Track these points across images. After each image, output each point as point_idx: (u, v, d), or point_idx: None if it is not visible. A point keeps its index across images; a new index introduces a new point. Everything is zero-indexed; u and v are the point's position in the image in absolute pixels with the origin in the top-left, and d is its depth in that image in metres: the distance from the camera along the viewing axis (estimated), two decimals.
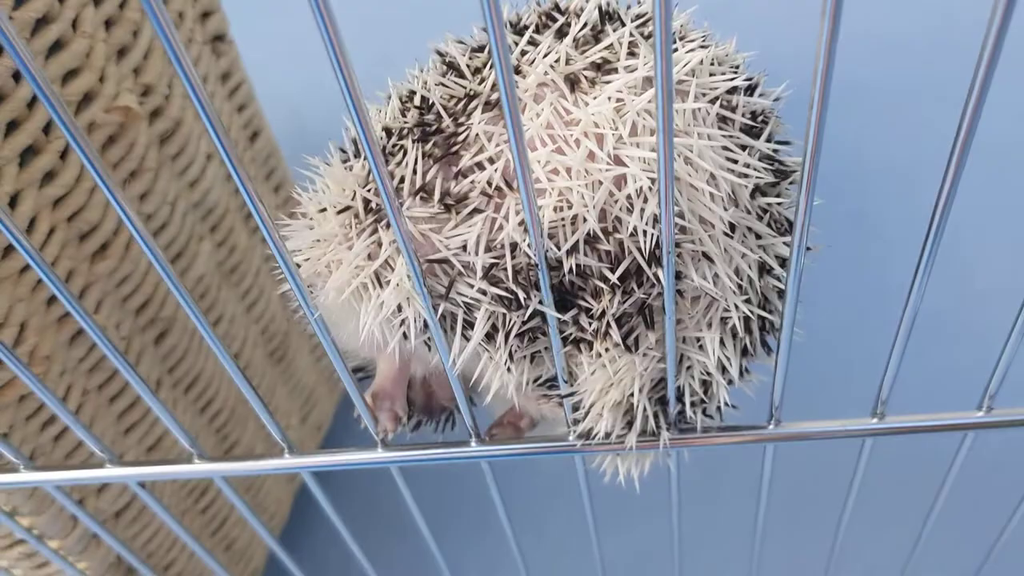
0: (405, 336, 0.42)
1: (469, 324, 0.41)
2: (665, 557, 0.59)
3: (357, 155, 0.44)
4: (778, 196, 0.41)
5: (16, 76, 0.49)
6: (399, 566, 0.64)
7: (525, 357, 0.42)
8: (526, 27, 0.42)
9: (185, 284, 0.66)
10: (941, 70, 1.07)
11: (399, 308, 0.41)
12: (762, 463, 0.49)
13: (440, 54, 0.44)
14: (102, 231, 0.57)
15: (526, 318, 0.40)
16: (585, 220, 0.38)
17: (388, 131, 0.42)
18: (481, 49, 0.44)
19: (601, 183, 0.38)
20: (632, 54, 0.40)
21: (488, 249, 0.39)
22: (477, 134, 0.39)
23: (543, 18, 0.43)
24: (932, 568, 0.62)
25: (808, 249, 0.42)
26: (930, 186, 0.34)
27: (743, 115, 0.40)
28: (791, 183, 0.42)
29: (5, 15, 0.28)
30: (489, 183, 0.39)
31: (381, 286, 0.41)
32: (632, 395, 0.42)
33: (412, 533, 0.58)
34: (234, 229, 0.74)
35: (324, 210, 0.43)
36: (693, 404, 0.44)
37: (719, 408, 0.45)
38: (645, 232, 0.38)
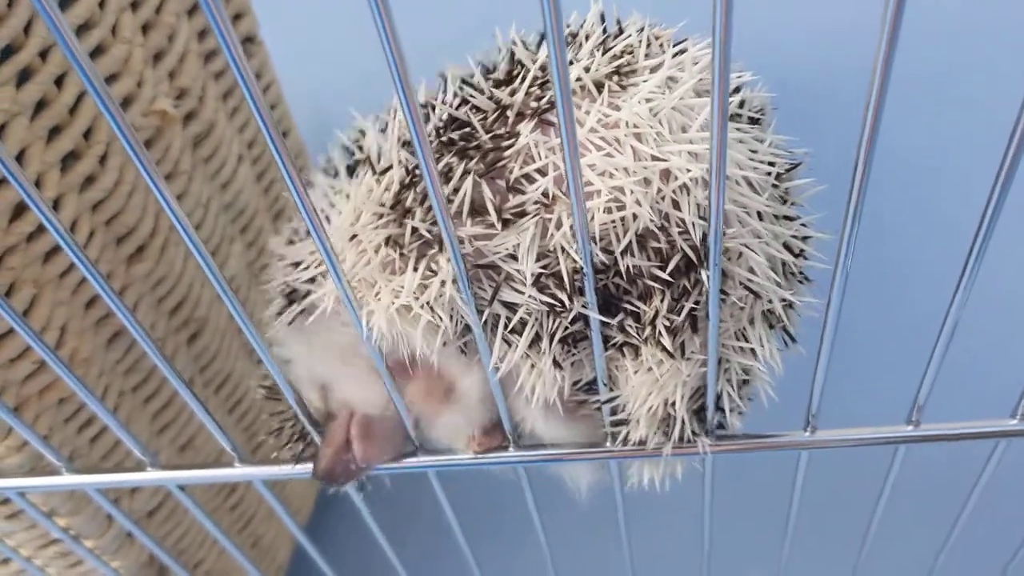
0: (445, 344, 0.42)
1: (508, 328, 0.41)
2: (694, 560, 0.59)
3: (370, 169, 0.44)
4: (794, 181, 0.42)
5: (59, 81, 0.50)
6: (424, 565, 0.65)
7: (570, 362, 0.43)
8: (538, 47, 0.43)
9: (223, 278, 0.67)
10: (971, 65, 1.07)
11: (441, 319, 0.41)
12: (796, 470, 0.49)
13: (457, 78, 0.44)
14: (139, 234, 0.57)
15: (570, 322, 0.40)
16: (636, 217, 0.38)
17: (408, 144, 0.42)
18: (495, 69, 0.44)
19: (649, 180, 0.38)
20: (648, 56, 0.41)
21: (538, 256, 0.39)
22: (526, 144, 0.40)
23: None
24: (959, 572, 0.62)
25: (806, 239, 0.43)
26: (966, 190, 0.35)
27: (748, 110, 0.41)
28: (801, 170, 0.43)
29: (61, 16, 0.28)
30: (545, 194, 0.39)
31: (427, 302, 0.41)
32: (673, 403, 0.43)
33: (437, 535, 0.58)
34: (263, 229, 0.74)
35: (355, 237, 0.43)
36: (732, 410, 0.44)
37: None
38: (694, 224, 0.38)
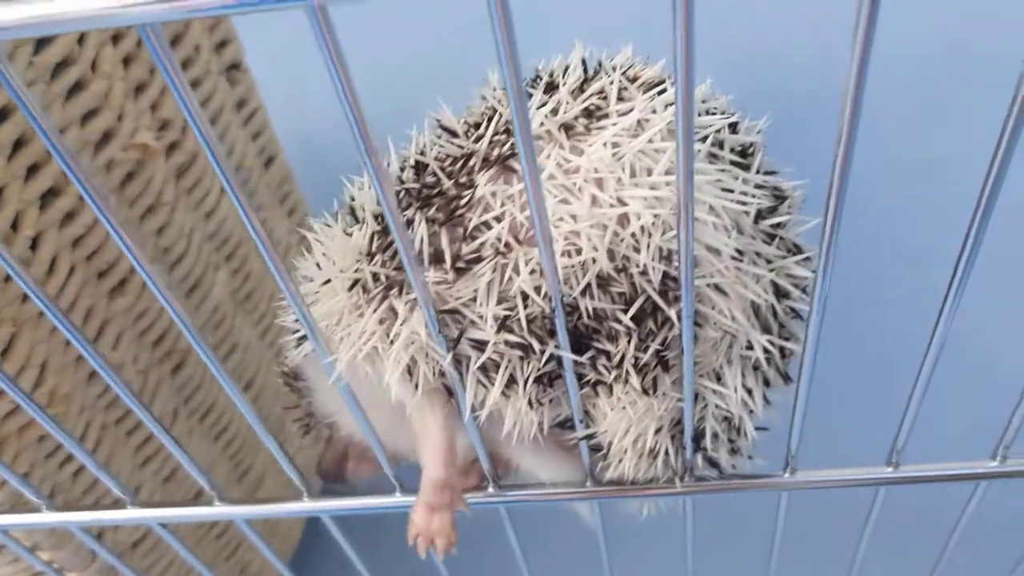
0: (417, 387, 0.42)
1: (483, 371, 0.41)
2: None
3: (356, 221, 0.44)
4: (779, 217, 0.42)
5: None
6: None
7: (544, 402, 0.43)
8: None
9: (202, 313, 0.67)
10: (963, 89, 1.06)
11: (414, 362, 0.41)
12: (776, 510, 0.49)
13: (436, 120, 0.44)
14: (119, 269, 0.57)
15: (543, 364, 0.40)
16: (595, 261, 0.38)
17: None
18: (482, 102, 0.44)
19: (606, 225, 0.38)
20: (621, 99, 0.40)
21: (500, 301, 0.39)
22: (483, 194, 0.40)
23: (530, 81, 0.43)
24: None
25: (808, 259, 0.42)
26: (946, 223, 0.34)
27: (731, 150, 0.41)
28: (789, 207, 0.42)
29: (14, 73, 0.28)
30: (498, 239, 0.39)
31: (393, 344, 0.41)
32: (657, 434, 0.42)
33: (422, 567, 0.58)
34: (249, 257, 0.74)
35: (328, 282, 0.43)
36: (717, 441, 0.44)
37: (745, 438, 0.45)
38: (654, 268, 0.38)
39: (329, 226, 0.47)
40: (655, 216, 0.37)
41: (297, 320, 0.46)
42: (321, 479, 0.54)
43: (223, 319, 0.70)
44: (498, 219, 0.39)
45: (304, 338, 0.48)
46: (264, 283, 0.77)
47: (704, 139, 0.40)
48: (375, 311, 0.41)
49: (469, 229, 0.39)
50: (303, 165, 0.88)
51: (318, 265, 0.45)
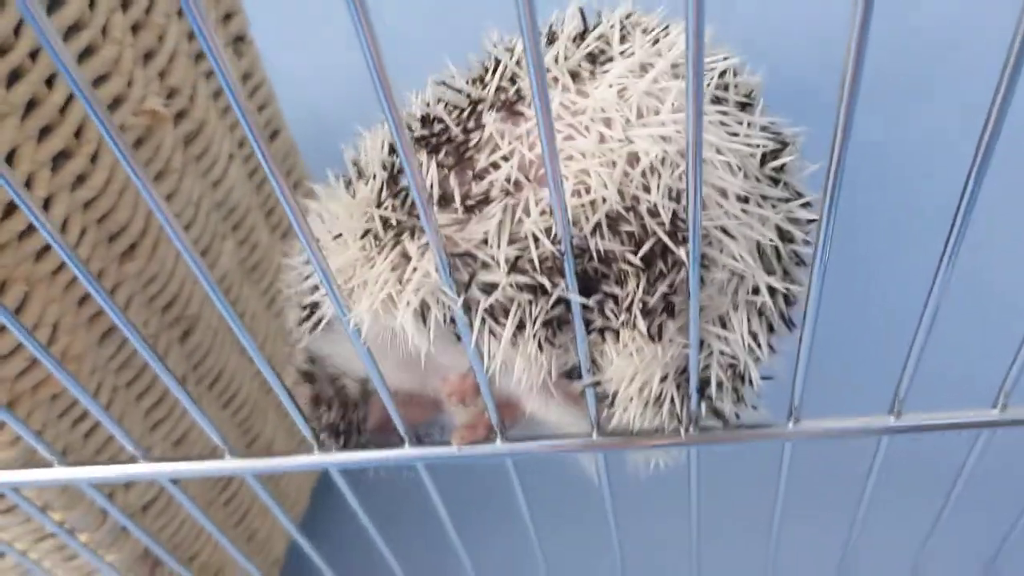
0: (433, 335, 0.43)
1: (492, 315, 0.42)
2: (682, 549, 0.60)
3: (360, 176, 0.45)
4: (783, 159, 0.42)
5: (49, 82, 0.50)
6: (418, 558, 0.66)
7: (554, 344, 0.43)
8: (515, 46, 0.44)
9: (211, 277, 0.68)
10: (959, 57, 1.07)
11: (426, 306, 0.42)
12: (780, 460, 0.50)
13: (436, 82, 0.45)
14: (130, 232, 0.58)
15: (550, 306, 0.41)
16: (604, 200, 0.39)
17: (393, 148, 0.43)
18: (481, 63, 0.45)
19: (615, 162, 0.39)
20: (623, 41, 0.41)
21: (510, 242, 0.40)
22: (490, 134, 0.40)
23: None
24: (944, 562, 0.63)
25: (810, 221, 0.43)
26: (951, 177, 0.35)
27: (736, 94, 0.42)
28: (791, 151, 0.43)
29: (45, 18, 0.29)
30: (507, 179, 0.40)
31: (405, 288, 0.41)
32: (663, 381, 0.43)
33: (430, 529, 0.59)
34: (256, 227, 0.75)
35: (339, 236, 0.44)
36: (721, 390, 0.44)
37: (750, 386, 0.46)
38: (664, 207, 0.39)
39: (335, 185, 0.47)
40: (664, 153, 0.38)
41: (308, 278, 0.47)
42: (377, 437, 0.54)
43: (230, 288, 0.71)
44: (506, 158, 0.40)
45: (314, 309, 0.48)
46: (271, 254, 0.78)
47: (709, 82, 0.41)
48: (387, 258, 0.41)
49: (478, 169, 0.40)
50: (306, 139, 0.89)
51: (324, 222, 0.45)
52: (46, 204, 0.51)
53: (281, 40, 0.82)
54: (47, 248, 0.51)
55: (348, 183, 0.46)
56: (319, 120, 0.98)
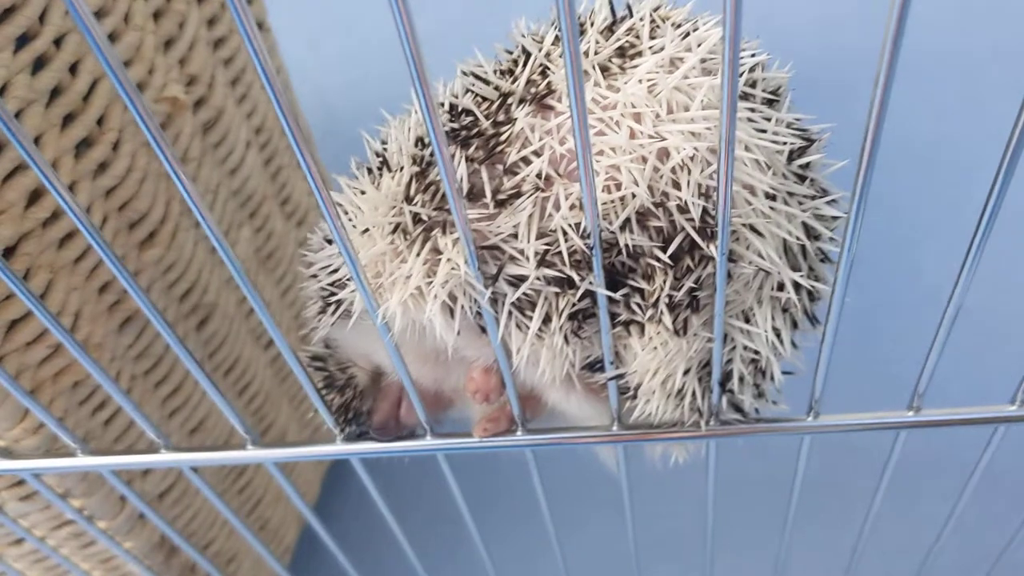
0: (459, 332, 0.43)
1: (519, 308, 0.42)
2: (696, 542, 0.60)
3: (385, 168, 0.45)
4: (809, 157, 0.42)
5: (72, 69, 0.50)
6: (429, 549, 0.66)
7: (580, 336, 0.43)
8: (544, 37, 0.43)
9: (225, 270, 0.68)
10: (987, 44, 1.07)
11: (453, 299, 0.42)
12: (798, 454, 0.50)
13: (465, 72, 0.45)
14: (151, 220, 0.58)
15: (578, 299, 0.41)
16: (634, 196, 0.39)
17: (421, 141, 0.43)
18: (509, 54, 0.45)
19: (646, 158, 0.39)
20: (653, 36, 0.41)
21: (539, 236, 0.40)
22: (521, 128, 0.40)
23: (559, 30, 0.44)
24: (957, 554, 0.63)
25: (836, 218, 0.43)
26: (973, 173, 0.35)
27: (763, 90, 0.42)
28: (818, 149, 0.43)
29: (86, 6, 0.29)
30: (538, 175, 0.40)
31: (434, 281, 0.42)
32: (686, 374, 0.43)
33: (441, 521, 0.59)
34: (271, 215, 0.75)
35: (367, 231, 0.44)
36: (743, 384, 0.45)
37: (771, 381, 0.46)
38: (694, 204, 0.39)
39: (359, 176, 0.47)
40: (695, 151, 0.38)
41: (334, 272, 0.47)
42: (378, 433, 0.54)
43: (246, 276, 0.71)
44: (537, 153, 0.40)
45: (330, 304, 0.48)
46: (286, 243, 0.78)
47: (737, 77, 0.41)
48: (418, 254, 0.41)
49: (508, 164, 0.40)
50: (321, 129, 0.89)
51: (350, 219, 0.45)
52: (69, 191, 0.51)
53: (296, 28, 0.82)
54: (70, 236, 0.51)
55: (369, 171, 0.46)
56: (333, 111, 0.98)
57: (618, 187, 0.39)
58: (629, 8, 0.43)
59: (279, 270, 0.77)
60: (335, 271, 0.47)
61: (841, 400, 0.48)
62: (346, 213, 0.46)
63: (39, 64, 0.48)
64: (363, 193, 0.45)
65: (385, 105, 0.48)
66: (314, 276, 0.49)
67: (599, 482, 0.54)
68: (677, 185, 0.39)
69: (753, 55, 0.42)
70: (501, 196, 0.40)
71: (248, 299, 0.64)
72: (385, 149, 0.46)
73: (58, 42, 0.49)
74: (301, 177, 0.82)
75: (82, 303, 0.53)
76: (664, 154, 0.39)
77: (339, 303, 0.47)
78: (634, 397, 0.45)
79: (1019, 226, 0.89)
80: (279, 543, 0.84)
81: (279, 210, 0.77)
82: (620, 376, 0.44)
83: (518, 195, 0.40)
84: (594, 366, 0.46)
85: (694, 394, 0.45)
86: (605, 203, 0.39)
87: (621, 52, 0.41)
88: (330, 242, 0.48)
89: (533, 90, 0.41)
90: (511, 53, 0.44)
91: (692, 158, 0.38)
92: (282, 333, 0.76)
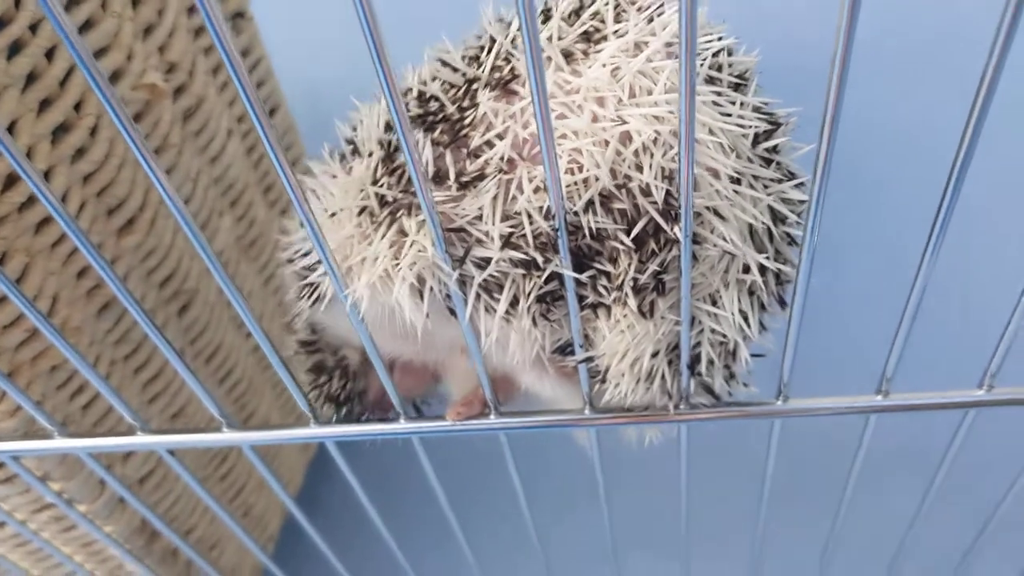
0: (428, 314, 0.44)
1: (486, 290, 0.42)
2: (673, 526, 0.61)
3: (355, 154, 0.45)
4: (775, 140, 0.43)
5: (49, 54, 0.50)
6: (412, 533, 0.67)
7: (548, 321, 0.44)
8: (510, 24, 0.44)
9: (211, 251, 0.68)
10: (953, 35, 1.07)
11: (422, 281, 0.42)
12: (769, 437, 0.51)
13: (432, 58, 0.45)
14: (129, 206, 0.58)
15: (544, 281, 0.42)
16: (597, 179, 0.39)
17: (390, 126, 0.44)
18: (478, 39, 0.45)
19: (608, 141, 0.39)
20: (618, 20, 0.42)
21: (504, 218, 0.41)
22: (484, 112, 0.41)
23: None
24: (930, 540, 0.64)
25: (803, 202, 0.43)
26: (942, 158, 0.35)
27: (729, 74, 0.42)
28: (784, 132, 0.43)
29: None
30: (501, 158, 0.41)
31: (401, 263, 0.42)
32: (655, 357, 0.44)
33: (424, 505, 0.59)
34: (253, 203, 0.75)
35: (335, 215, 0.44)
36: (712, 367, 0.45)
37: (740, 363, 0.46)
38: (657, 187, 0.39)
39: (329, 162, 0.48)
40: (656, 133, 0.38)
41: (306, 256, 0.48)
42: (371, 412, 0.55)
43: (227, 264, 0.71)
44: (500, 136, 0.40)
45: (312, 286, 0.49)
46: (268, 230, 0.78)
47: (703, 62, 0.41)
48: (383, 236, 0.42)
49: (472, 147, 0.41)
50: (304, 115, 0.89)
51: (319, 199, 0.46)
52: (46, 177, 0.51)
53: (280, 17, 0.82)
54: (47, 220, 0.51)
55: (343, 158, 0.47)
56: (317, 97, 0.98)
57: (580, 169, 0.39)
58: None
59: (262, 258, 0.78)
60: (307, 254, 0.47)
61: (820, 385, 0.48)
62: (319, 198, 0.46)
63: (14, 49, 0.48)
64: (335, 178, 0.45)
65: (372, 90, 0.49)
66: (290, 261, 0.50)
67: (582, 468, 0.55)
68: (640, 168, 0.39)
69: (720, 39, 0.43)
70: (465, 178, 0.40)
71: (232, 283, 0.64)
72: (356, 135, 0.47)
73: (34, 28, 0.49)
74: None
75: (60, 287, 0.54)
76: (626, 137, 0.39)
77: (313, 287, 0.48)
78: (604, 380, 0.46)
79: (985, 211, 0.89)
80: (263, 530, 0.84)
81: (262, 198, 0.78)
82: (590, 359, 0.45)
83: (481, 177, 0.40)
84: (565, 349, 0.46)
85: (663, 377, 0.45)
86: (568, 185, 0.39)
87: (586, 37, 0.41)
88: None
89: (497, 75, 0.41)
90: (480, 39, 0.45)
91: (655, 141, 0.38)
92: (266, 320, 0.76)
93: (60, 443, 0.51)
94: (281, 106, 0.81)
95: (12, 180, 0.48)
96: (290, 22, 0.82)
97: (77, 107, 0.53)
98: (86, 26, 0.53)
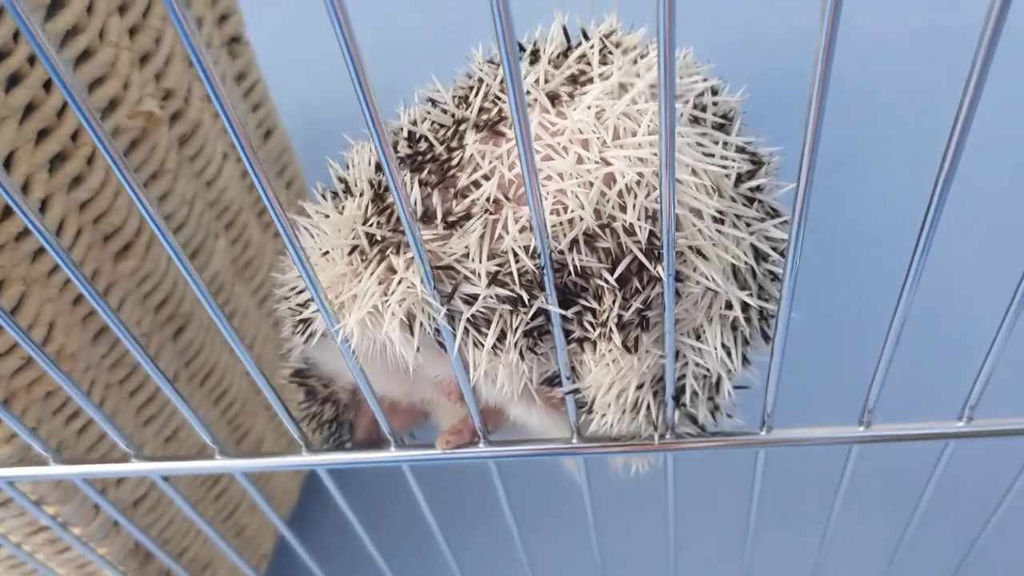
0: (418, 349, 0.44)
1: (475, 326, 0.43)
2: (661, 554, 0.61)
3: (348, 193, 0.46)
4: (757, 180, 0.43)
5: (47, 86, 0.51)
6: (404, 559, 0.67)
7: (535, 355, 0.45)
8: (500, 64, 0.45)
9: (202, 280, 0.69)
10: (929, 70, 1.09)
11: (412, 317, 0.43)
12: (754, 467, 0.51)
13: (422, 99, 0.46)
14: (125, 232, 0.59)
15: (531, 317, 0.42)
16: (582, 219, 0.40)
17: (379, 166, 0.45)
18: (468, 79, 0.46)
19: (592, 183, 0.40)
20: (604, 63, 0.42)
21: (491, 257, 0.41)
22: (472, 154, 0.42)
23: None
24: (914, 565, 0.64)
25: (785, 222, 0.44)
26: (921, 190, 0.36)
27: (712, 114, 0.43)
28: (767, 171, 0.44)
29: (40, 29, 0.30)
30: (488, 198, 0.41)
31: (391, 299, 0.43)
32: (639, 389, 0.44)
33: (416, 530, 0.60)
34: (248, 225, 0.76)
35: (327, 253, 0.45)
36: (696, 399, 0.46)
37: (724, 396, 0.47)
38: (640, 227, 0.40)
39: (322, 201, 0.48)
40: (640, 175, 0.39)
41: (300, 293, 0.48)
42: (359, 447, 0.56)
43: (222, 286, 0.72)
44: (487, 177, 0.41)
45: (306, 323, 0.49)
46: (263, 252, 0.79)
47: (686, 102, 0.42)
48: (373, 272, 0.42)
49: (459, 187, 0.41)
50: (300, 138, 0.90)
51: (313, 237, 0.47)
52: (43, 205, 0.52)
53: (277, 41, 0.83)
54: (43, 249, 0.52)
55: (335, 196, 0.48)
56: (313, 120, 0.99)
57: (565, 210, 0.40)
58: (584, 33, 0.45)
59: (256, 279, 0.78)
60: (301, 291, 0.48)
61: (805, 415, 0.49)
62: (313, 237, 0.47)
63: (12, 81, 0.49)
64: (327, 217, 0.46)
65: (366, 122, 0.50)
66: (285, 298, 0.51)
67: (569, 495, 0.56)
68: (623, 208, 0.40)
69: (705, 79, 0.44)
70: (452, 218, 0.41)
71: (224, 309, 0.65)
72: (348, 174, 0.48)
73: (32, 60, 0.50)
74: (278, 188, 0.84)
75: (56, 314, 0.54)
76: (610, 179, 0.40)
77: (306, 323, 0.48)
78: (591, 411, 0.46)
79: (965, 243, 0.90)
80: (255, 550, 0.85)
81: (256, 220, 0.79)
82: (576, 391, 0.46)
83: (468, 217, 0.41)
84: (553, 381, 0.47)
85: (649, 407, 0.46)
86: (553, 225, 0.40)
87: (573, 80, 0.42)
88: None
89: (485, 117, 0.42)
90: (470, 78, 0.45)
91: (638, 182, 0.39)
92: (260, 343, 0.77)
93: (55, 470, 0.52)
94: (277, 128, 0.82)
95: (9, 210, 0.49)
96: (286, 47, 0.83)
97: (74, 137, 0.54)
98: (84, 56, 0.54)
